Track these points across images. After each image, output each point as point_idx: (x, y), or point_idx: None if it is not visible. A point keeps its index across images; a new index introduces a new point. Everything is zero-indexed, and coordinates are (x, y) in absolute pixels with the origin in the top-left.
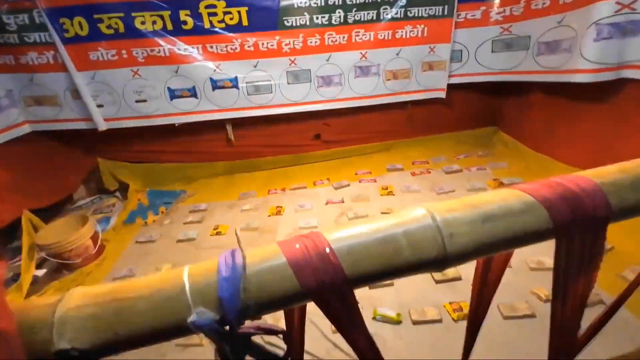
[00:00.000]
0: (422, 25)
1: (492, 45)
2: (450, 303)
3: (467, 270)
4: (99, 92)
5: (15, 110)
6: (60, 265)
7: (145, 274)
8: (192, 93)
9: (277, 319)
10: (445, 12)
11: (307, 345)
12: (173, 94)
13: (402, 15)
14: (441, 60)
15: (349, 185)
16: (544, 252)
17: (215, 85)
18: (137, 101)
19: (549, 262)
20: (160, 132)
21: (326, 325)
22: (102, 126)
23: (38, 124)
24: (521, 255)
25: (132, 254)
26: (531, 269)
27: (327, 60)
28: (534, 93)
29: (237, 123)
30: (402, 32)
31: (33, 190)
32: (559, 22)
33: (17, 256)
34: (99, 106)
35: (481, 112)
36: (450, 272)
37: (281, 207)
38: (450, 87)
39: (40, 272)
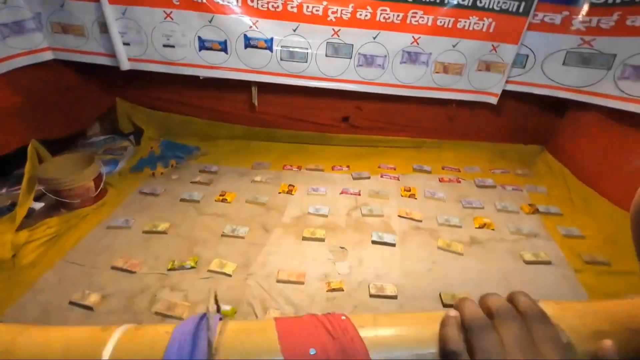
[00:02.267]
0: (490, 19)
1: (566, 57)
2: None
3: None
4: (127, 30)
5: (40, 35)
6: (58, 202)
7: (142, 228)
8: (223, 47)
9: None
10: (521, 10)
11: None
12: (203, 45)
13: (469, 4)
14: (502, 62)
15: (369, 177)
16: (567, 298)
17: (249, 43)
18: (164, 45)
19: None
20: (183, 82)
21: None
22: (125, 65)
23: (61, 52)
24: (542, 296)
25: (132, 205)
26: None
27: (374, 38)
28: (593, 117)
29: (264, 88)
30: (465, 22)
31: (46, 120)
32: None
33: (18, 184)
34: (125, 44)
35: (530, 127)
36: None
37: (293, 186)
38: (503, 93)
39: (38, 206)
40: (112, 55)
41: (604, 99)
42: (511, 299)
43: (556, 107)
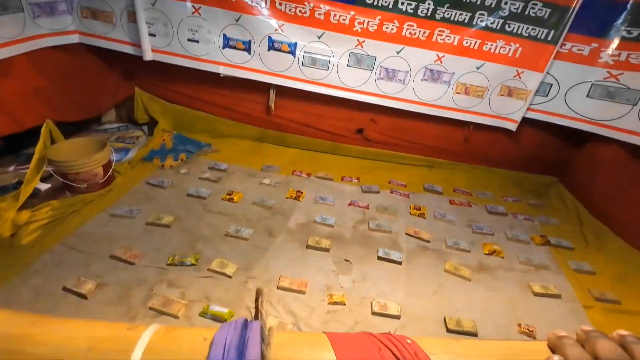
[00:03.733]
0: (517, 45)
1: (590, 89)
2: None
3: (486, 328)
4: (155, 21)
5: (69, 17)
6: (64, 185)
7: (145, 219)
8: (246, 47)
9: None
10: (549, 38)
11: None
12: (227, 43)
13: (498, 27)
14: (525, 90)
15: (378, 192)
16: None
17: (272, 45)
18: (189, 40)
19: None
20: (202, 78)
21: None
22: (148, 56)
23: (87, 37)
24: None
25: (138, 194)
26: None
27: (398, 52)
28: (612, 152)
29: (282, 91)
30: (491, 45)
31: (64, 102)
32: None
33: (27, 163)
34: (151, 35)
35: (547, 157)
36: (467, 323)
37: (302, 192)
38: (522, 120)
39: (44, 187)
40: (137, 44)
41: (627, 135)
42: (623, 345)
43: (575, 139)
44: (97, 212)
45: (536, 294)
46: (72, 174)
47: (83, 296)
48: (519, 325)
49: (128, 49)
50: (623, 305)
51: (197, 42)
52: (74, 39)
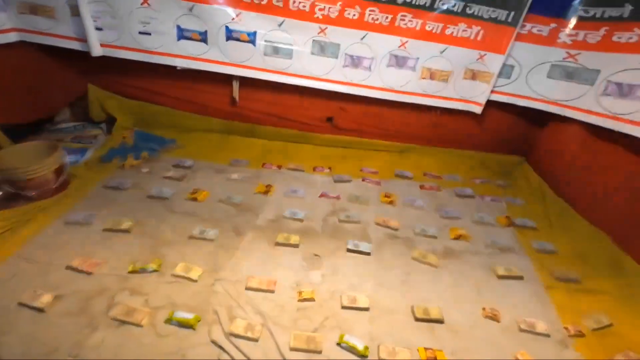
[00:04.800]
0: (479, 28)
1: (550, 70)
2: (425, 349)
3: (452, 314)
4: (101, 14)
5: (3, 15)
6: (15, 193)
7: (103, 224)
8: (203, 38)
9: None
10: (510, 19)
11: (257, 358)
12: (182, 34)
13: (459, 10)
14: (488, 72)
15: (350, 181)
16: (538, 314)
17: (231, 35)
18: (140, 32)
19: (541, 326)
20: (160, 72)
21: (284, 340)
22: (97, 51)
23: (28, 34)
24: (513, 312)
25: (96, 198)
26: (520, 330)
27: (362, 39)
28: (574, 131)
29: (246, 82)
30: (453, 29)
31: (10, 103)
32: None
33: None
34: (98, 29)
35: (512, 137)
36: (434, 311)
37: (271, 186)
38: (487, 102)
39: None
40: (83, 39)
41: (585, 115)
42: None
43: (538, 119)
44: (52, 220)
45: (500, 277)
46: (21, 182)
47: (40, 310)
48: (484, 309)
49: (74, 45)
50: (583, 284)
51: (149, 34)
52: (12, 37)
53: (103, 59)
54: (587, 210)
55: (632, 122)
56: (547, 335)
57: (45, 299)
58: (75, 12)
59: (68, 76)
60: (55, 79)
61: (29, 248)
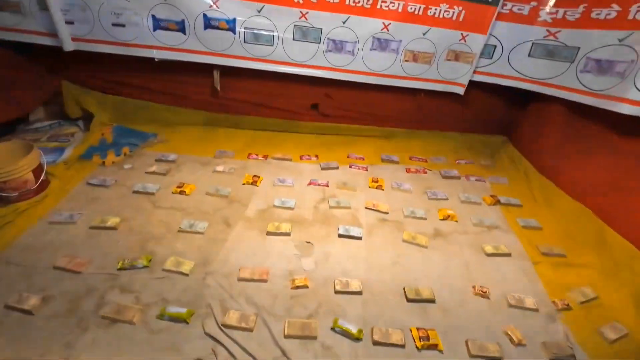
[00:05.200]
0: (460, 8)
1: (532, 49)
2: (418, 329)
3: (443, 293)
4: (70, 7)
5: None
6: None
7: (88, 223)
8: (180, 27)
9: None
10: None
11: (252, 348)
12: (157, 24)
13: None
14: (470, 53)
15: (337, 168)
16: (527, 290)
17: (209, 23)
18: (114, 24)
19: (530, 301)
20: (137, 65)
21: (279, 328)
22: (69, 46)
23: None
24: (502, 288)
25: (78, 197)
26: (509, 306)
27: (344, 22)
28: (556, 110)
29: (227, 72)
30: (435, 9)
31: None
32: (621, 40)
33: None
34: (69, 22)
35: (495, 117)
36: (425, 291)
37: (259, 177)
38: (470, 83)
39: None
40: (54, 34)
41: (566, 92)
42: None
43: (521, 98)
44: (34, 221)
45: (488, 255)
46: None
47: (28, 312)
48: (474, 287)
49: (45, 40)
50: (568, 258)
51: (124, 26)
52: None
53: (76, 53)
54: (569, 185)
55: (610, 97)
56: (536, 310)
57: (32, 301)
58: (44, 5)
59: (40, 73)
60: (26, 77)
61: (12, 251)
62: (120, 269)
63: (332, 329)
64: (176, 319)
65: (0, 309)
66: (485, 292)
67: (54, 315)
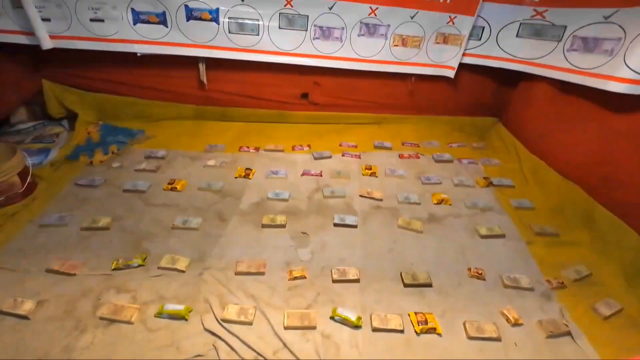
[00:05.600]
0: None
1: (520, 29)
2: (416, 313)
3: (439, 277)
4: (45, 3)
5: None
6: None
7: (79, 224)
8: (161, 20)
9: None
10: None
11: (253, 341)
12: (137, 17)
13: None
14: (459, 35)
15: (330, 157)
16: (521, 270)
17: (191, 14)
18: (92, 20)
19: (525, 281)
20: (119, 60)
21: (278, 320)
22: (47, 44)
23: None
24: (497, 269)
25: (67, 198)
26: (505, 286)
27: (330, 8)
28: (544, 89)
29: (212, 64)
30: None
31: None
32: (607, 17)
33: None
34: (45, 20)
35: (485, 99)
36: (422, 276)
37: (251, 169)
38: (460, 66)
39: None
40: (31, 33)
41: (553, 71)
42: None
43: (510, 79)
44: (24, 225)
45: (482, 237)
46: None
47: (24, 317)
48: (469, 269)
49: (21, 39)
50: (561, 237)
51: (102, 21)
52: None
53: (55, 51)
54: (559, 164)
55: (597, 75)
56: (531, 289)
57: (27, 305)
58: (18, 3)
59: (19, 73)
60: (5, 78)
61: (3, 256)
62: (115, 269)
63: (332, 317)
64: (175, 316)
65: None
66: (481, 273)
67: (50, 319)
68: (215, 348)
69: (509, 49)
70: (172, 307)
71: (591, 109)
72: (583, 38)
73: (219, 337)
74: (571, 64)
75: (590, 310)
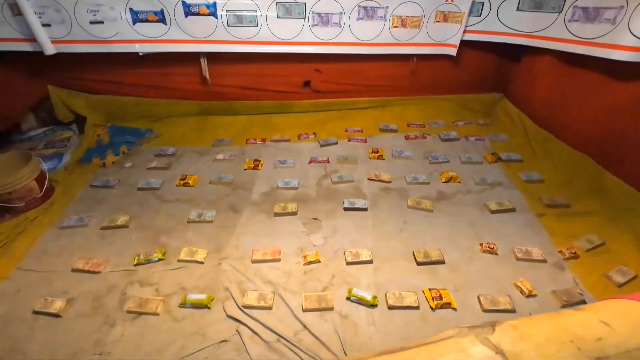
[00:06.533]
0: None
1: (520, 2)
2: (430, 290)
3: (451, 254)
4: (44, 9)
5: None
6: (1, 208)
7: (99, 224)
8: (160, 17)
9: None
10: None
11: (274, 325)
12: (136, 17)
13: None
14: (458, 12)
15: (336, 143)
16: (533, 242)
17: (189, 10)
18: (92, 22)
19: (537, 253)
20: (122, 61)
21: (296, 303)
22: (49, 49)
23: None
24: (509, 243)
25: (84, 200)
26: (517, 259)
27: None
28: (548, 61)
29: (214, 58)
30: None
31: None
32: None
33: None
34: (45, 25)
35: (489, 75)
36: (434, 253)
37: (259, 160)
38: (461, 43)
39: None
40: (33, 39)
41: (556, 43)
42: None
43: (513, 53)
44: (45, 228)
45: (493, 212)
46: (4, 195)
47: (56, 315)
48: (481, 244)
49: (23, 47)
50: (572, 208)
51: (102, 22)
52: None
53: (59, 56)
54: (567, 135)
55: (601, 44)
56: (544, 261)
57: (57, 304)
58: (17, 10)
59: (23, 81)
60: (11, 86)
61: (29, 259)
62: (137, 265)
63: (348, 298)
64: (198, 305)
65: (29, 315)
66: (493, 248)
67: (80, 315)
68: (238, 333)
69: (510, 23)
70: (194, 296)
71: (598, 78)
72: (583, 8)
73: (242, 323)
74: (573, 34)
75: (604, 278)
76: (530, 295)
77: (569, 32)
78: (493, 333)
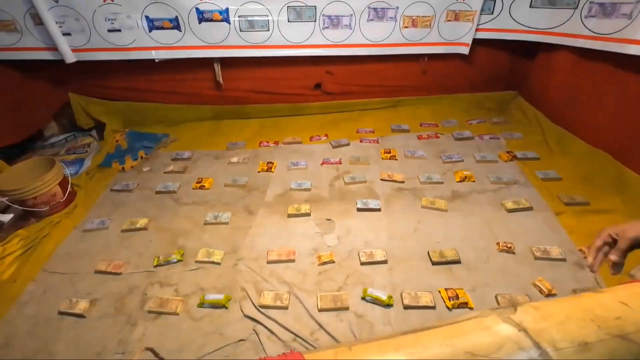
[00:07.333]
0: None
1: None
2: (446, 289)
3: (467, 253)
4: (64, 18)
5: None
6: (27, 212)
7: (119, 227)
8: (175, 24)
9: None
10: None
11: (290, 324)
12: (152, 24)
13: None
14: (470, 11)
15: (348, 144)
16: (551, 241)
17: (202, 17)
18: (109, 30)
19: (556, 251)
20: (139, 68)
21: (312, 303)
22: (70, 58)
23: None
24: (526, 242)
25: (105, 204)
26: (536, 258)
27: None
28: (564, 58)
29: (227, 63)
30: None
31: None
32: None
33: None
34: (66, 34)
35: (502, 73)
36: (449, 253)
37: (272, 162)
38: (474, 41)
39: (6, 218)
40: (54, 48)
41: (572, 39)
42: None
43: (527, 51)
44: (68, 231)
45: (509, 210)
46: (29, 200)
47: (80, 316)
48: (498, 244)
49: (45, 55)
50: (592, 206)
51: (119, 30)
52: None
53: (79, 64)
54: (584, 132)
55: (618, 40)
56: (563, 260)
57: (82, 305)
58: (38, 20)
59: (45, 88)
60: (34, 94)
61: (54, 262)
62: (156, 266)
63: (363, 298)
64: (216, 305)
65: (55, 316)
66: (510, 247)
67: (103, 316)
68: (255, 332)
69: (523, 20)
70: (212, 297)
71: (614, 73)
72: (601, 4)
73: (258, 322)
74: (590, 30)
75: (626, 276)
76: (549, 294)
77: (586, 27)
78: (515, 313)
